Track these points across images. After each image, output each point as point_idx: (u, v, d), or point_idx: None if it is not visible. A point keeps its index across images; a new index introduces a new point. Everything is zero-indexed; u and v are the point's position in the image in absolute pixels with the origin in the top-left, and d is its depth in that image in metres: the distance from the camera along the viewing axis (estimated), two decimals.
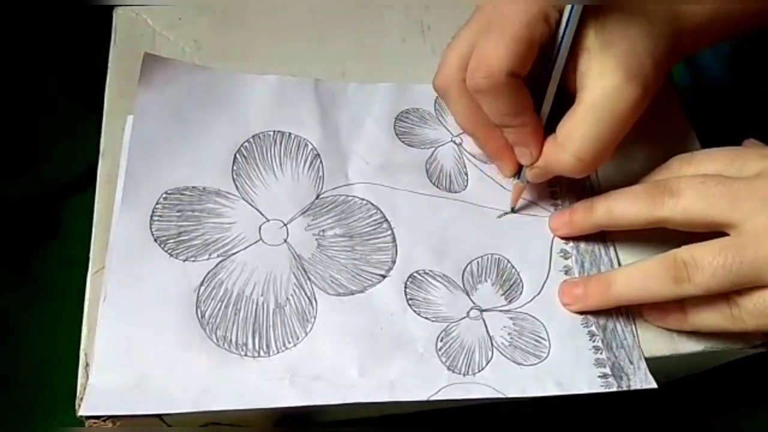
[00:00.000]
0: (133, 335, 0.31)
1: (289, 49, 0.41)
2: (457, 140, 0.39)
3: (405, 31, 0.42)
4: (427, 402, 0.31)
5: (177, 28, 0.41)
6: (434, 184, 0.37)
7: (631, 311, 0.35)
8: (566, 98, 0.34)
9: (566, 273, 0.36)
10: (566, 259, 0.36)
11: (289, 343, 0.32)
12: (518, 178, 0.36)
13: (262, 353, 0.31)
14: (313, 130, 0.38)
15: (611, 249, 0.36)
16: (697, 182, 0.31)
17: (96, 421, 0.30)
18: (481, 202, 0.37)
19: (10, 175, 0.49)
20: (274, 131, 0.37)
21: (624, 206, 0.33)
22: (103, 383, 0.30)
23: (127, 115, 0.38)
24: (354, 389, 0.31)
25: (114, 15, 0.41)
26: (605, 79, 0.31)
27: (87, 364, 0.31)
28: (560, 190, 0.38)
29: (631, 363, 0.33)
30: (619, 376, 0.33)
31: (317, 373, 0.31)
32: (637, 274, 0.32)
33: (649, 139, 0.39)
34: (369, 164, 0.37)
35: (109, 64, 0.39)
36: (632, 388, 0.33)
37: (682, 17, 0.34)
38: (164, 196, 0.34)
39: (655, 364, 0.34)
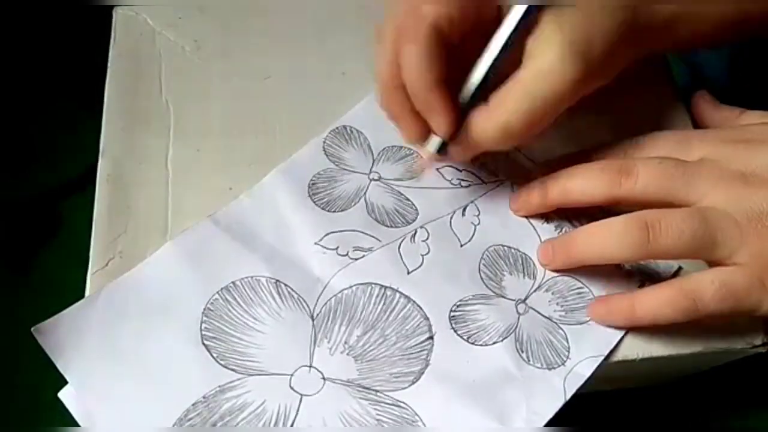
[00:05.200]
0: None
1: (289, 49, 0.41)
2: (374, 176, 0.37)
3: None
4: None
5: (177, 27, 0.41)
6: (391, 226, 0.36)
7: None
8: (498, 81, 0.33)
9: (547, 221, 0.36)
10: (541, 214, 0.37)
11: None
12: (432, 150, 0.34)
13: None
14: (249, 264, 0.34)
15: None
16: (655, 162, 0.32)
17: None
18: (441, 213, 0.36)
19: (10, 175, 0.49)
20: (218, 291, 0.33)
21: (580, 185, 0.33)
22: None
23: (125, 114, 0.38)
24: None
25: (114, 14, 0.41)
26: (548, 53, 0.31)
27: None
28: (490, 160, 0.38)
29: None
30: (650, 275, 0.35)
31: None
32: (598, 234, 0.33)
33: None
34: (326, 251, 0.34)
35: (109, 64, 0.39)
36: (666, 274, 0.35)
37: (644, 11, 0.34)
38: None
39: (655, 364, 0.34)
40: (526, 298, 0.34)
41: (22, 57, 0.53)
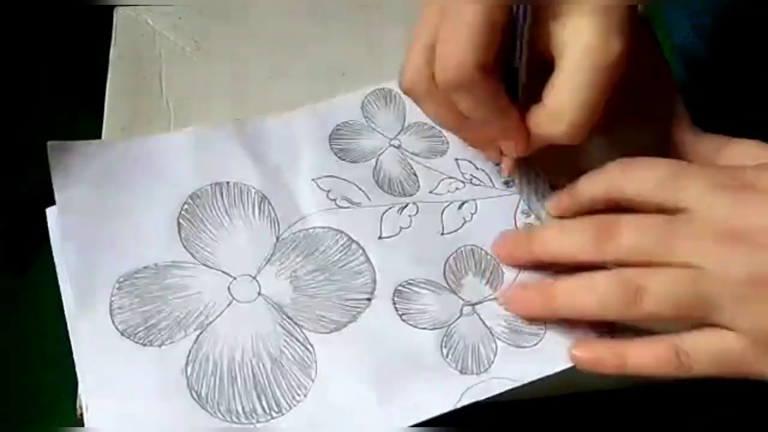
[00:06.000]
0: None
1: (289, 48, 0.41)
2: (395, 143, 0.38)
3: (406, 30, 0.42)
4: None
5: (177, 28, 0.41)
6: (388, 192, 0.37)
7: None
8: (539, 70, 0.32)
9: None
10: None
11: (299, 395, 0.30)
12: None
13: (274, 414, 0.30)
14: (250, 173, 0.36)
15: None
16: (640, 222, 0.30)
17: None
18: (439, 199, 0.37)
19: (10, 175, 0.49)
20: (212, 184, 0.35)
21: (564, 249, 0.32)
22: None
23: (126, 114, 0.38)
24: (381, 423, 0.30)
25: (114, 15, 0.41)
26: (584, 38, 0.30)
27: None
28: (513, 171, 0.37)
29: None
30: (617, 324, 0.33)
31: (339, 418, 0.30)
32: (580, 292, 0.31)
33: (647, 129, 0.39)
34: (318, 190, 0.36)
35: (110, 64, 0.39)
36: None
37: None
38: (117, 286, 0.32)
39: None
40: (476, 304, 0.34)
41: (22, 57, 0.53)
